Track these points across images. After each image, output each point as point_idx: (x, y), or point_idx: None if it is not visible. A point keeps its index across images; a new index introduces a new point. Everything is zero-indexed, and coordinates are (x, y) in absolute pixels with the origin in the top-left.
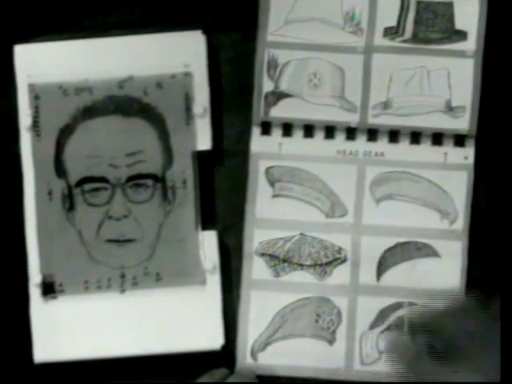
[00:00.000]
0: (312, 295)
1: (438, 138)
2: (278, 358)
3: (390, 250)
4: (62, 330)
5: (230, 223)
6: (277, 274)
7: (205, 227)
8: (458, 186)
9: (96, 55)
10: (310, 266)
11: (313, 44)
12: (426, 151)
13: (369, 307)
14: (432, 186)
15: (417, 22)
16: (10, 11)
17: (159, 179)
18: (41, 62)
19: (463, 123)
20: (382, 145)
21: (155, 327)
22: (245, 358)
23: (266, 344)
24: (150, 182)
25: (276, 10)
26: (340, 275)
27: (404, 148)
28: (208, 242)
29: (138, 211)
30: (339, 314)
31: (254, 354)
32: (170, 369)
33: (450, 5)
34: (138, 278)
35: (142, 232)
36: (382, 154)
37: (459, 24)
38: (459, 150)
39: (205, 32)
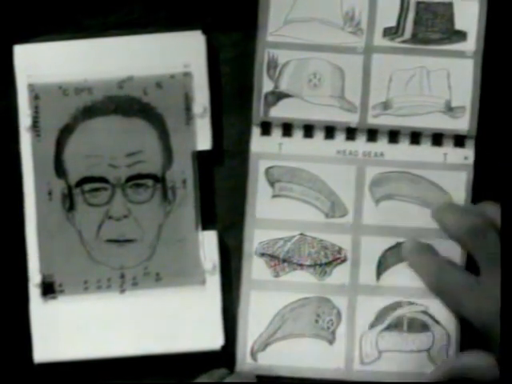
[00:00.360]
0: (312, 295)
1: (437, 139)
2: (278, 358)
3: (389, 249)
4: (61, 330)
5: (230, 223)
6: (276, 274)
7: (205, 227)
8: (457, 186)
9: (96, 55)
10: (309, 266)
11: (313, 44)
12: (425, 151)
13: (368, 307)
14: (432, 186)
15: (416, 22)
16: (10, 11)
17: (159, 179)
18: (40, 62)
19: (463, 124)
20: (382, 145)
21: (155, 327)
22: (245, 359)
23: (266, 344)
24: (149, 182)
25: (276, 10)
26: (340, 275)
27: (404, 148)
28: (208, 242)
29: (138, 211)
30: (339, 313)
31: (253, 354)
32: (170, 369)
33: (450, 5)
34: (138, 278)
35: (142, 232)
36: (382, 155)
37: (459, 24)
38: (459, 150)
39: (204, 32)
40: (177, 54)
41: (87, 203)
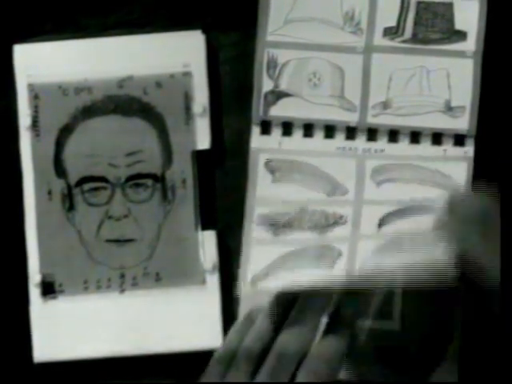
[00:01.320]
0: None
1: (437, 138)
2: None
3: (390, 213)
4: (61, 330)
5: (230, 223)
6: (276, 234)
7: (205, 227)
8: (458, 178)
9: (95, 55)
10: (310, 227)
11: (312, 44)
12: (425, 151)
13: (370, 248)
14: (433, 173)
15: (416, 22)
16: (10, 11)
17: (159, 179)
18: (40, 62)
19: (463, 123)
20: (382, 144)
21: (155, 327)
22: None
23: (267, 275)
24: (149, 181)
25: (276, 9)
26: (341, 231)
27: (403, 147)
28: (208, 242)
29: (138, 211)
30: (339, 253)
31: (253, 282)
32: (170, 369)
33: (450, 5)
34: (138, 278)
35: (141, 232)
36: (382, 152)
37: (459, 24)
38: (459, 149)
39: (204, 32)
40: (176, 54)
41: (87, 203)
